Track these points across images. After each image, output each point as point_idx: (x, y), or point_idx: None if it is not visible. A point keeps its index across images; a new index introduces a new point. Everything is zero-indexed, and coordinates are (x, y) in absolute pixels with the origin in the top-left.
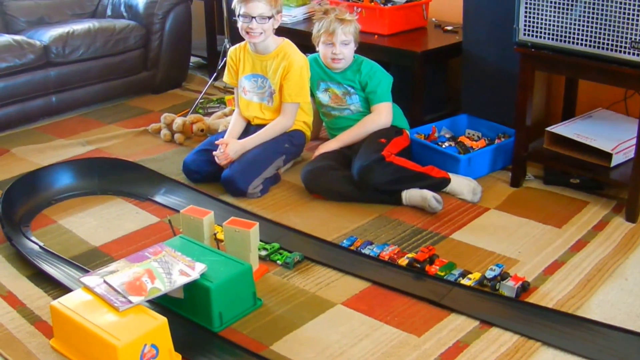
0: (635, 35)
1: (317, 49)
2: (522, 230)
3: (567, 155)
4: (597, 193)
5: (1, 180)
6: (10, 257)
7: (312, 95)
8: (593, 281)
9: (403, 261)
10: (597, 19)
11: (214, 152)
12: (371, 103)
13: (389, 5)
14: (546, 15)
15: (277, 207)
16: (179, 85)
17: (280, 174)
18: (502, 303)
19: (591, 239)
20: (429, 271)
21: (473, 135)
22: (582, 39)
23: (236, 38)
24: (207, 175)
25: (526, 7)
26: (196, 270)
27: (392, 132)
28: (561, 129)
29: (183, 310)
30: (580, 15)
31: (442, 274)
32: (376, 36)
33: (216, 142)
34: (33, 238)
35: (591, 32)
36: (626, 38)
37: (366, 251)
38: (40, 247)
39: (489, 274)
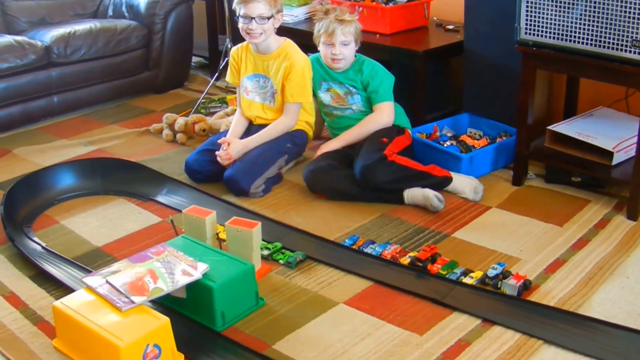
0: (636, 33)
1: (318, 48)
2: (523, 228)
3: (569, 154)
4: (599, 191)
5: (3, 180)
6: (12, 258)
7: (314, 95)
8: (594, 279)
9: (405, 260)
10: (598, 17)
11: (216, 152)
12: (373, 102)
13: (391, 4)
14: (547, 13)
15: (280, 206)
16: (180, 85)
17: (283, 174)
18: (504, 301)
19: (592, 237)
20: (431, 270)
21: (474, 134)
22: (583, 38)
23: (238, 37)
24: (209, 175)
25: (527, 6)
26: (198, 270)
27: (394, 131)
28: (562, 127)
29: (186, 310)
30: (581, 14)
31: (444, 272)
32: (378, 35)
33: (218, 141)
34: (35, 238)
35: (592, 30)
36: (627, 36)
37: (368, 250)
38: (43, 247)
39: (491, 273)
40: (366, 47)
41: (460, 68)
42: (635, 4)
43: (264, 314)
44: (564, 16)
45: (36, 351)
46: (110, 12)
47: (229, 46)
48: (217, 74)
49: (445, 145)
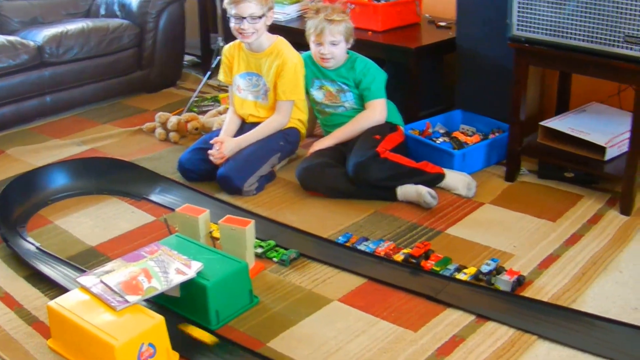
0: (629, 29)
1: (309, 44)
2: (517, 224)
3: (561, 150)
4: (592, 187)
5: None
6: (6, 258)
7: (307, 92)
8: (588, 274)
9: (399, 257)
10: (590, 13)
11: (209, 151)
12: (365, 100)
13: (383, 1)
14: (539, 10)
15: (273, 204)
16: (173, 83)
17: (276, 172)
18: (498, 297)
19: (586, 232)
20: (425, 266)
21: (467, 130)
22: (575, 34)
23: (230, 36)
24: (202, 174)
25: (519, 2)
26: (192, 269)
27: (386, 128)
28: (555, 123)
29: (180, 309)
30: (573, 10)
31: (438, 269)
32: (370, 33)
33: (211, 141)
34: (29, 239)
35: (585, 26)
36: (620, 32)
37: (362, 247)
38: (37, 247)
39: (485, 269)
40: (358, 44)
41: (453, 65)
42: None
43: (258, 312)
44: (556, 12)
45: (31, 351)
46: (102, 12)
47: (221, 44)
48: (209, 73)
49: (438, 141)
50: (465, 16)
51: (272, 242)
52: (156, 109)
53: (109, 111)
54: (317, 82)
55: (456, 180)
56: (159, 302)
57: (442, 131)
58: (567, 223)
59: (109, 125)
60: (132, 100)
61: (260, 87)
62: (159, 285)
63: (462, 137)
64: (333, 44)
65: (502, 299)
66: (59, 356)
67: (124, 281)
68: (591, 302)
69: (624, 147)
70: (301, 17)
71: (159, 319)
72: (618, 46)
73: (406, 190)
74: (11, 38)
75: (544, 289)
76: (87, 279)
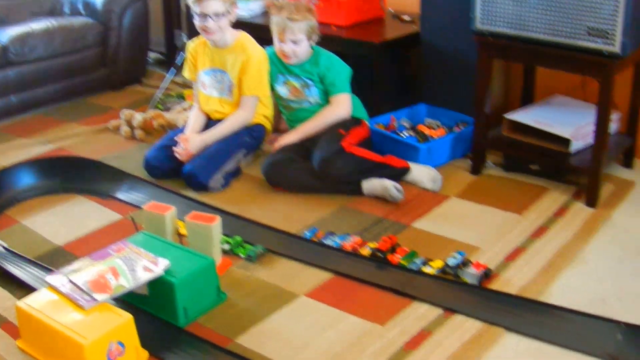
0: (592, 22)
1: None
2: (482, 217)
3: (527, 142)
4: (557, 179)
5: None
6: None
7: (271, 88)
8: (554, 267)
9: (365, 251)
10: (553, 6)
11: (175, 148)
12: (330, 94)
13: None
14: (503, 3)
15: (239, 200)
16: (138, 81)
17: (242, 168)
18: (465, 290)
19: (552, 224)
20: (392, 260)
21: (432, 124)
22: (539, 27)
23: (194, 32)
24: (168, 171)
25: None
26: (160, 266)
27: (351, 122)
28: (519, 116)
29: (148, 307)
30: (536, 3)
31: (405, 262)
32: (334, 27)
33: (176, 138)
34: None
35: (548, 19)
36: (582, 25)
37: (328, 242)
38: (4, 248)
39: (451, 262)
40: (322, 39)
41: (417, 58)
42: None
43: (226, 309)
44: (519, 6)
45: (0, 352)
46: (66, 10)
47: (185, 41)
48: (174, 70)
49: (402, 135)
50: (429, 10)
51: (239, 238)
52: (121, 106)
53: (75, 110)
54: (281, 77)
55: (422, 173)
56: (127, 300)
57: (407, 125)
58: (533, 215)
59: (75, 123)
60: (97, 99)
61: (224, 83)
62: (126, 283)
63: (427, 131)
64: (294, 42)
65: (469, 292)
66: (29, 356)
67: (92, 280)
68: (558, 294)
69: (589, 139)
70: (265, 13)
71: (127, 317)
72: (581, 39)
73: (372, 185)
74: None
75: (510, 282)
76: (55, 279)
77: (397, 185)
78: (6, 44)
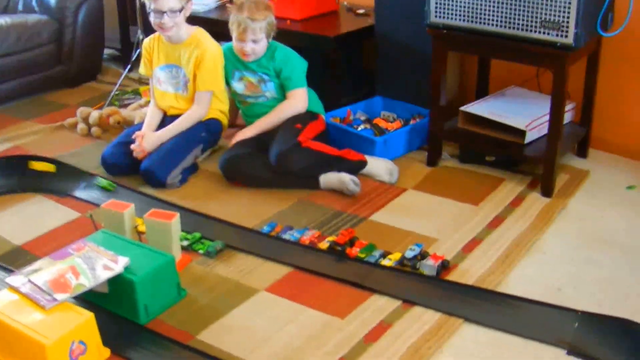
0: (545, 14)
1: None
2: (439, 209)
3: (482, 134)
4: (513, 170)
5: None
6: None
7: (227, 84)
8: (511, 257)
9: (324, 245)
10: None
11: (131, 146)
12: (286, 89)
13: None
14: None
15: (197, 196)
16: (93, 77)
17: (199, 163)
18: (423, 282)
19: (508, 215)
20: (350, 253)
21: (388, 116)
22: (493, 19)
23: (149, 28)
24: (126, 168)
25: None
26: (119, 264)
27: (307, 117)
28: (475, 108)
29: (109, 305)
30: None
31: (363, 255)
32: (289, 21)
33: (133, 136)
34: None
35: (502, 12)
36: (536, 17)
37: (287, 236)
38: None
39: (409, 254)
40: (278, 34)
41: (372, 52)
42: None
43: (186, 305)
44: None
45: None
46: (20, 7)
47: (141, 37)
48: (129, 66)
49: (359, 129)
50: (384, 3)
51: (198, 234)
52: (77, 103)
53: (31, 107)
54: (237, 73)
55: (378, 166)
56: (88, 299)
57: (363, 118)
58: (490, 206)
59: (31, 121)
60: (53, 96)
61: (180, 79)
62: (87, 282)
63: (383, 124)
64: (254, 41)
65: (427, 284)
66: None
67: (52, 279)
68: (515, 284)
69: (544, 130)
70: (220, 8)
71: (88, 316)
72: (535, 31)
73: (329, 178)
74: None
75: (468, 272)
76: (15, 279)
77: (355, 178)
78: None
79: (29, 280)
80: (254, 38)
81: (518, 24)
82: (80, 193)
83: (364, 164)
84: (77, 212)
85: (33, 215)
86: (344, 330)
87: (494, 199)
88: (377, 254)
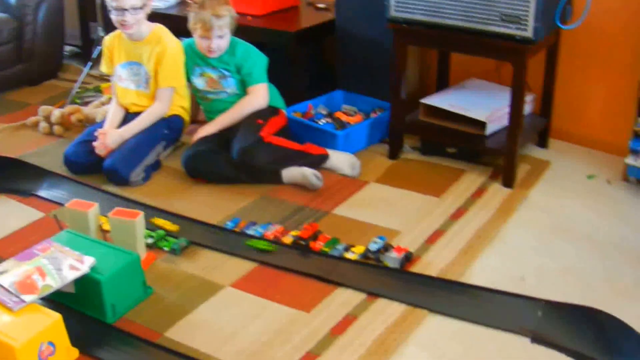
0: (505, 8)
1: (193, 36)
2: (402, 201)
3: (443, 126)
4: (474, 161)
5: None
6: None
7: (188, 80)
8: (474, 247)
9: (287, 239)
10: None
11: (94, 143)
12: (247, 85)
13: None
14: None
15: (160, 193)
16: (54, 75)
17: (161, 160)
18: (387, 274)
19: (470, 206)
20: (314, 248)
21: (349, 110)
22: (452, 14)
23: (110, 25)
24: (89, 166)
25: None
26: (85, 264)
27: (268, 112)
28: (435, 100)
29: (76, 305)
30: None
31: (327, 249)
32: (249, 17)
33: (95, 133)
34: None
35: (462, 6)
36: (496, 11)
37: (251, 232)
38: None
39: (372, 247)
40: (238, 29)
41: (333, 46)
42: None
43: (153, 303)
44: None
45: None
46: None
47: (102, 34)
48: (90, 63)
49: (320, 123)
50: None
51: (162, 232)
52: (39, 102)
53: None
54: (197, 69)
55: (340, 160)
56: (55, 299)
57: (324, 112)
58: (452, 198)
59: None
60: (14, 95)
61: (141, 76)
62: (53, 282)
63: (344, 118)
64: (220, 37)
65: (391, 276)
66: None
67: (19, 281)
68: (478, 274)
69: (504, 121)
70: (180, 4)
71: (56, 317)
72: (494, 25)
73: (291, 173)
74: None
75: (432, 264)
76: None
77: (317, 172)
78: None
79: None
80: (220, 33)
81: (478, 18)
82: (43, 193)
83: (325, 157)
84: (41, 212)
85: None
86: (310, 324)
87: (455, 191)
88: (340, 247)
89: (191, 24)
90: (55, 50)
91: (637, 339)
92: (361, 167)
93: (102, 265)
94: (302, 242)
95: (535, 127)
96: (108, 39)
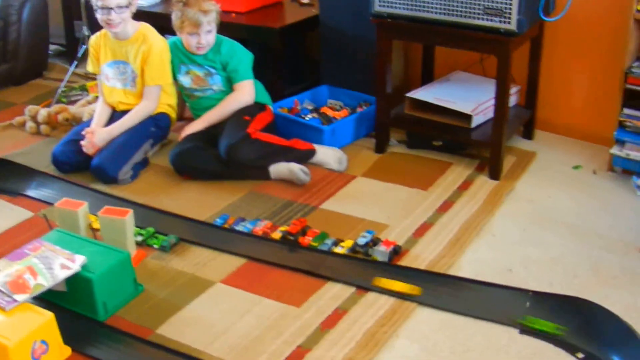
0: (488, 1)
1: (179, 35)
2: (389, 195)
3: (429, 119)
4: (460, 154)
5: None
6: None
7: (174, 78)
8: (462, 240)
9: (276, 235)
10: None
11: (81, 142)
12: (233, 82)
13: None
14: None
15: (149, 191)
16: (40, 75)
17: (149, 158)
18: (376, 268)
19: (457, 198)
20: (303, 243)
21: (335, 105)
22: (436, 7)
23: (94, 23)
24: (77, 165)
25: None
26: (76, 263)
27: (255, 108)
28: (421, 93)
29: (67, 303)
30: None
31: (316, 244)
32: (234, 14)
33: (82, 132)
34: None
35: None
36: (479, 4)
37: (239, 228)
38: None
39: (361, 241)
40: (223, 26)
41: (317, 41)
42: None
43: (144, 300)
44: None
45: None
46: None
47: (87, 33)
48: (75, 62)
49: (306, 118)
50: None
51: (152, 229)
52: (25, 102)
53: None
54: (183, 67)
55: (327, 155)
56: (47, 298)
57: (310, 107)
58: (439, 190)
59: None
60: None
61: (127, 75)
62: (45, 281)
63: (330, 112)
64: (209, 31)
65: (380, 269)
66: None
67: (11, 280)
68: (467, 266)
69: (490, 114)
70: (164, 2)
71: (49, 316)
72: (478, 18)
73: (279, 169)
74: None
75: (420, 257)
76: None
77: (304, 168)
78: None
79: None
80: (209, 29)
81: (461, 12)
82: (32, 192)
83: (312, 153)
84: (30, 212)
85: None
86: (300, 318)
87: (442, 183)
88: (329, 242)
89: (177, 22)
90: (40, 50)
91: (623, 327)
92: (348, 162)
93: (92, 263)
94: (291, 238)
95: (520, 119)
96: (94, 39)
